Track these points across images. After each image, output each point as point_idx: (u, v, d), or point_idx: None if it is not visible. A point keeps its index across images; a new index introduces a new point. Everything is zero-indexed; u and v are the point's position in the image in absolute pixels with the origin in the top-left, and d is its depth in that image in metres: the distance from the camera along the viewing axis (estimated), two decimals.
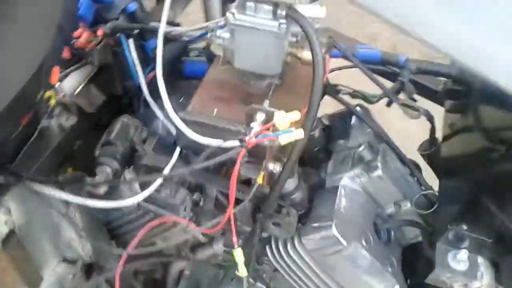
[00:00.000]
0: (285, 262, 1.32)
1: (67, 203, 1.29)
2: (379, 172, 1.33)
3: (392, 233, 1.37)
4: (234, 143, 1.05)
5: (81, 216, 1.32)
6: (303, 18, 1.00)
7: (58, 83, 1.33)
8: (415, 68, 1.54)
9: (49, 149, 1.29)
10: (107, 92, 1.45)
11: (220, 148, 1.09)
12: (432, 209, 1.28)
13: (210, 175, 1.25)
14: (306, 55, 1.14)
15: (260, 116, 1.07)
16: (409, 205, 1.36)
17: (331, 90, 1.53)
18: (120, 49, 1.38)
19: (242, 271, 1.13)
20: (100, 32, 1.29)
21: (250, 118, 1.08)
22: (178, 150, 1.22)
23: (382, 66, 1.57)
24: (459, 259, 1.10)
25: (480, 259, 1.11)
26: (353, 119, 1.53)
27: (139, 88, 1.45)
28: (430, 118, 1.39)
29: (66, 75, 1.39)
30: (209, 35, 1.15)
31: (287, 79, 1.26)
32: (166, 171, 1.19)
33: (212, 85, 1.27)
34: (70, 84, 1.38)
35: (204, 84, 1.27)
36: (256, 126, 1.04)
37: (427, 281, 1.14)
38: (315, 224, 1.27)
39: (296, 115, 0.97)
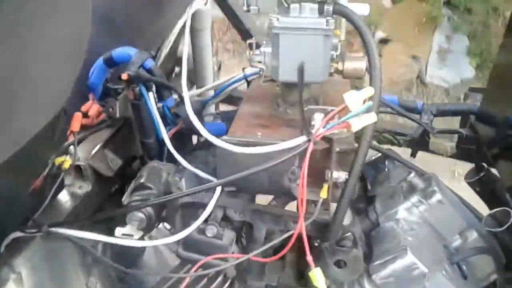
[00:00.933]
0: None
1: (88, 272, 1.06)
2: (438, 196, 1.20)
3: (464, 267, 1.19)
4: (299, 140, 0.93)
5: (103, 286, 1.08)
6: (351, 12, 0.98)
7: (72, 147, 1.21)
8: (436, 109, 1.53)
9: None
10: (126, 155, 1.31)
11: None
12: (509, 224, 1.14)
13: (258, 213, 1.09)
14: (348, 64, 1.11)
15: (319, 116, 0.97)
16: (475, 234, 1.21)
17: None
18: (140, 103, 1.29)
19: None
20: (125, 76, 1.21)
21: (307, 121, 0.98)
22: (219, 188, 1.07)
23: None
24: None
25: None
26: (387, 163, 1.45)
27: (160, 145, 1.34)
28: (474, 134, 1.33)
29: (80, 141, 1.27)
30: (248, 55, 1.10)
31: (324, 101, 1.20)
32: (211, 205, 1.03)
33: (249, 113, 1.18)
34: (85, 147, 1.26)
35: (240, 114, 1.18)
36: (318, 119, 0.94)
37: None
38: (385, 258, 1.09)
39: (369, 90, 0.89)
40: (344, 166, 1.02)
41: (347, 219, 1.14)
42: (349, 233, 1.08)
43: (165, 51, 1.68)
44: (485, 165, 1.33)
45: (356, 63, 1.10)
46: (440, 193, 1.21)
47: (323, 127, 0.91)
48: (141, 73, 1.25)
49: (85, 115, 1.33)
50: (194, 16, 1.81)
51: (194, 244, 1.03)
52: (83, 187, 1.24)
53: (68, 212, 1.16)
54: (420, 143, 1.55)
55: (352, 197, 1.04)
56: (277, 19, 1.01)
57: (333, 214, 1.00)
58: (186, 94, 1.18)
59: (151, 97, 1.29)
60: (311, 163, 1.03)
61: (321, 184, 1.02)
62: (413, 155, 1.60)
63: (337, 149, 1.01)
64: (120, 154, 1.31)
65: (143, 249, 1.19)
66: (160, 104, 1.38)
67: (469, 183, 1.38)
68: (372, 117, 0.90)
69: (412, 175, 1.25)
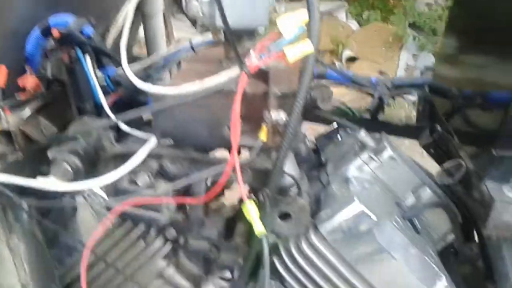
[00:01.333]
0: (300, 268, 1.02)
1: (9, 229, 0.97)
2: (389, 152, 1.15)
3: (418, 224, 1.14)
4: (232, 72, 0.87)
5: (26, 247, 0.98)
6: None
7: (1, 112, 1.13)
8: (390, 83, 1.51)
9: None
10: (61, 121, 1.23)
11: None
12: (461, 174, 1.09)
13: (195, 162, 1.02)
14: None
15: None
16: (429, 191, 1.16)
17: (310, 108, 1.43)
18: (76, 66, 1.22)
19: (259, 227, 0.83)
20: (56, 33, 1.15)
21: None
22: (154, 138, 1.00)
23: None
24: None
25: None
26: (340, 132, 1.40)
27: (97, 110, 1.27)
28: (429, 100, 1.30)
29: (12, 107, 1.20)
30: (184, 6, 1.05)
31: None
32: (142, 152, 0.95)
33: (190, 70, 1.12)
34: (17, 113, 1.18)
35: (180, 71, 1.13)
36: (253, 52, 0.89)
37: (486, 231, 0.91)
38: (332, 208, 1.03)
39: (303, 14, 0.84)
40: (286, 111, 0.96)
41: (294, 172, 1.07)
42: (294, 186, 1.01)
43: (124, 31, 1.62)
44: (438, 126, 1.30)
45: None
46: (392, 149, 1.16)
47: (257, 58, 0.86)
48: (75, 34, 1.19)
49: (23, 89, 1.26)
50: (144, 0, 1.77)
51: (125, 195, 0.94)
52: (14, 156, 1.15)
53: None
54: (375, 116, 1.51)
55: (295, 144, 0.98)
56: None
57: (274, 159, 0.93)
58: (124, 57, 1.13)
59: (88, 60, 1.22)
60: (250, 108, 0.98)
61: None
62: (368, 130, 1.55)
63: (278, 93, 0.96)
64: (54, 121, 1.23)
65: (73, 212, 1.09)
66: (100, 73, 1.31)
67: (423, 146, 1.34)
68: (308, 46, 0.85)
69: (362, 133, 1.20)
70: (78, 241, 1.07)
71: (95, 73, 1.24)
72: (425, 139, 1.32)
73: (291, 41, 0.84)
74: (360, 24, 6.84)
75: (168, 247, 1.07)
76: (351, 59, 5.83)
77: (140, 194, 0.93)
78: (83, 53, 1.23)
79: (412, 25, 6.59)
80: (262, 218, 0.92)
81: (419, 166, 1.19)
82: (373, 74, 5.28)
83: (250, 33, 1.11)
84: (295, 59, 0.84)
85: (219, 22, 1.02)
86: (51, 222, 1.02)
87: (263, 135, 0.93)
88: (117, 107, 1.32)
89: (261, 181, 0.98)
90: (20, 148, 1.15)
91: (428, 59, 5.90)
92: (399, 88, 1.52)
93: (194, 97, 0.89)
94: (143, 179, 0.94)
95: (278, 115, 0.93)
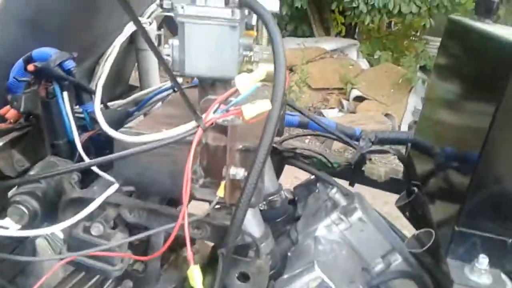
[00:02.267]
0: None
1: None
2: (359, 213, 1.12)
3: None
4: (188, 126, 0.86)
5: None
6: (257, 4, 0.95)
7: None
8: (374, 137, 1.48)
9: None
10: (35, 156, 1.22)
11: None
12: (429, 244, 1.05)
13: (154, 213, 0.99)
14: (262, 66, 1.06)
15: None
16: (400, 258, 1.12)
17: (287, 155, 1.41)
18: (52, 102, 1.22)
19: None
20: (31, 67, 1.15)
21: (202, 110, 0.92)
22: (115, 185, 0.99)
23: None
24: (480, 268, 0.85)
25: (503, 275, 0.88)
26: (318, 185, 1.37)
27: (71, 148, 1.26)
28: (403, 159, 1.27)
29: None
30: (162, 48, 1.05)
31: None
32: (99, 199, 0.93)
33: (162, 114, 1.11)
34: None
35: (152, 113, 1.12)
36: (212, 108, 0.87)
37: None
38: (294, 272, 0.99)
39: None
40: (249, 166, 0.94)
41: (258, 230, 1.05)
42: (254, 244, 0.98)
43: (105, 69, 1.63)
44: (415, 189, 1.26)
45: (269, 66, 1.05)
46: (362, 210, 1.13)
47: (213, 113, 0.84)
48: (52, 68, 1.18)
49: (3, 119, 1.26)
50: (137, 34, 1.79)
51: (78, 244, 0.92)
52: None
53: None
54: (356, 170, 1.48)
55: (256, 200, 0.95)
56: (182, 7, 0.97)
57: (232, 215, 0.91)
58: (99, 92, 1.12)
59: (65, 96, 1.22)
60: (212, 161, 0.96)
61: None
62: (351, 184, 1.52)
63: (240, 147, 0.94)
64: (28, 156, 1.22)
65: (33, 253, 1.07)
66: (79, 109, 1.31)
67: (399, 207, 1.30)
68: (266, 105, 0.83)
69: (333, 190, 1.17)
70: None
71: (72, 109, 1.23)
72: (401, 200, 1.29)
73: (247, 98, 0.82)
74: (370, 64, 6.88)
75: None
76: (359, 99, 5.82)
77: (93, 244, 0.91)
78: (61, 88, 1.23)
79: (423, 68, 6.60)
80: (217, 278, 0.89)
81: (394, 230, 1.16)
82: (379, 116, 5.26)
83: (224, 83, 1.11)
84: (252, 116, 0.82)
85: (188, 69, 1.02)
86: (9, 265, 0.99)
87: (220, 191, 0.90)
88: (95, 144, 1.32)
89: (221, 238, 0.95)
90: None
91: None
92: (383, 142, 1.50)
93: (153, 147, 0.87)
94: (97, 229, 0.91)
95: (236, 171, 0.90)
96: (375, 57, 7.08)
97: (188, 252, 0.81)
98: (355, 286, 1.00)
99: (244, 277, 0.98)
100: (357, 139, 1.50)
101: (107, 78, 1.54)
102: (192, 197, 0.97)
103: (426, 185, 1.24)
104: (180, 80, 1.30)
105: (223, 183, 0.91)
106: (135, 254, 0.98)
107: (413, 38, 7.89)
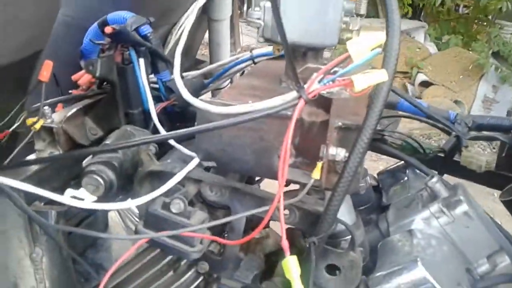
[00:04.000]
0: None
1: (34, 240, 0.89)
2: (464, 207, 0.98)
3: None
4: (287, 97, 0.75)
5: (50, 261, 0.90)
6: None
7: (47, 108, 1.07)
8: (471, 122, 1.32)
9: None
10: (108, 125, 1.16)
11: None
12: None
13: (238, 193, 0.90)
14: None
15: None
16: (508, 260, 0.98)
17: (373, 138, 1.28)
18: (127, 67, 1.15)
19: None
20: (108, 29, 1.07)
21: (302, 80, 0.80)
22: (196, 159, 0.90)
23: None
24: None
25: None
26: (407, 172, 1.24)
27: (145, 118, 1.19)
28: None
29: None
30: (244, 10, 0.94)
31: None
32: (180, 174, 0.85)
33: (245, 85, 1.01)
34: (64, 112, 1.12)
35: (235, 84, 1.02)
36: (315, 76, 0.76)
37: None
38: (389, 270, 0.87)
39: (379, 36, 0.71)
40: (347, 147, 0.82)
41: (349, 218, 0.93)
42: (348, 234, 0.87)
43: (182, 37, 1.54)
44: None
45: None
46: (467, 204, 0.99)
47: (318, 82, 0.73)
48: (129, 33, 1.11)
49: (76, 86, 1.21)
50: (210, 4, 1.69)
51: (156, 221, 0.84)
52: (52, 153, 1.09)
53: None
54: (449, 157, 1.33)
55: (354, 186, 0.84)
56: None
57: (327, 201, 0.80)
58: (178, 59, 1.03)
59: (141, 63, 1.14)
60: (306, 139, 0.85)
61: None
62: (441, 173, 1.37)
63: (339, 124, 0.83)
64: (101, 124, 1.16)
65: (104, 228, 1.01)
66: (154, 77, 1.23)
67: (504, 202, 1.14)
68: (382, 75, 0.71)
69: (434, 179, 1.03)
70: (106, 259, 0.98)
71: (147, 77, 1.16)
72: (507, 195, 1.13)
73: (361, 67, 0.70)
74: (438, 48, 6.51)
75: (200, 280, 0.96)
76: (425, 84, 5.53)
77: (172, 222, 0.83)
78: (137, 54, 1.15)
79: (495, 55, 6.18)
80: (304, 269, 0.79)
81: (499, 227, 1.01)
82: (447, 102, 4.97)
83: (316, 52, 0.99)
84: (364, 89, 0.70)
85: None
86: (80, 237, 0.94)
87: (316, 173, 0.79)
88: (168, 116, 1.24)
89: (310, 225, 0.85)
90: (61, 147, 1.09)
91: (509, 93, 5.50)
92: (481, 128, 1.33)
93: (241, 120, 0.77)
94: (178, 206, 0.83)
95: (336, 151, 0.79)
96: (443, 41, 6.69)
97: (283, 241, 0.71)
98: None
99: (333, 270, 0.87)
100: (451, 123, 1.34)
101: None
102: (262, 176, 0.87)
103: None
104: (270, 48, 1.20)
105: (319, 163, 0.80)
106: (212, 235, 0.90)
107: (484, 23, 7.39)
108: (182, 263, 0.95)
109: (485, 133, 1.32)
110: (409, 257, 0.88)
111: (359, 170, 0.83)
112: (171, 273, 0.94)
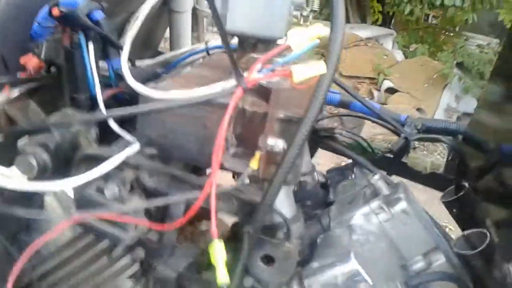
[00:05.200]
0: None
1: None
2: (403, 204, 1.00)
3: None
4: (226, 84, 0.74)
5: None
6: None
7: None
8: (421, 125, 1.35)
9: None
10: (52, 109, 1.13)
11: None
12: (483, 246, 0.92)
13: (176, 180, 0.89)
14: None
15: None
16: (443, 258, 1.00)
17: (324, 135, 1.29)
18: (76, 52, 1.12)
19: (221, 276, 0.69)
20: (56, 12, 1.05)
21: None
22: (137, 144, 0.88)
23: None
24: None
25: None
26: (355, 170, 1.25)
27: (92, 104, 1.16)
28: (460, 152, 1.14)
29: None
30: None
31: None
32: (118, 159, 0.83)
33: (194, 75, 1.00)
34: (5, 94, 1.08)
35: (184, 73, 1.01)
36: (255, 65, 0.76)
37: None
38: (325, 261, 0.88)
39: (319, 29, 0.71)
40: (288, 139, 0.82)
41: (289, 211, 0.93)
42: (284, 225, 0.87)
43: (135, 25, 1.52)
44: (466, 184, 1.13)
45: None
46: (407, 202, 1.00)
47: (258, 72, 0.73)
48: (79, 16, 1.08)
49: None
50: None
51: (89, 204, 0.82)
52: None
53: None
54: (397, 158, 1.36)
55: (293, 178, 0.84)
56: None
57: (264, 191, 0.80)
58: (127, 47, 1.02)
59: (90, 48, 1.12)
60: (248, 129, 0.85)
61: None
62: (389, 173, 1.40)
63: (281, 115, 0.83)
64: (46, 108, 1.13)
65: (39, 209, 0.98)
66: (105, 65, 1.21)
67: (445, 203, 1.17)
68: (321, 67, 0.72)
69: (376, 177, 1.05)
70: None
71: (96, 62, 1.13)
72: (448, 196, 1.16)
73: (301, 57, 0.71)
74: (405, 56, 6.65)
75: (136, 267, 0.94)
76: (390, 91, 5.63)
77: (106, 206, 0.81)
78: (87, 39, 1.12)
79: (460, 65, 6.34)
80: (238, 258, 0.79)
81: (436, 226, 1.03)
82: (411, 109, 5.08)
83: (267, 44, 0.99)
84: (302, 79, 0.71)
85: (230, 25, 0.90)
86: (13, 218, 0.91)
87: (254, 163, 0.79)
88: (119, 104, 1.22)
89: (248, 214, 0.85)
90: (2, 131, 1.05)
91: (471, 104, 5.64)
92: (429, 131, 1.37)
93: (182, 105, 0.77)
94: (112, 190, 0.81)
95: (275, 142, 0.79)
96: (411, 49, 6.84)
97: (213, 225, 0.70)
98: (393, 284, 0.88)
99: (269, 260, 0.87)
100: (401, 125, 1.37)
101: (136, 39, 1.43)
102: (221, 166, 0.86)
103: (480, 182, 1.11)
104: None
105: (258, 154, 0.80)
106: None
107: (451, 34, 7.59)
108: (119, 249, 0.93)
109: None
110: (345, 250, 0.88)
111: (297, 162, 0.83)
112: (105, 258, 0.92)
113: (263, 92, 0.80)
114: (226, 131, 0.76)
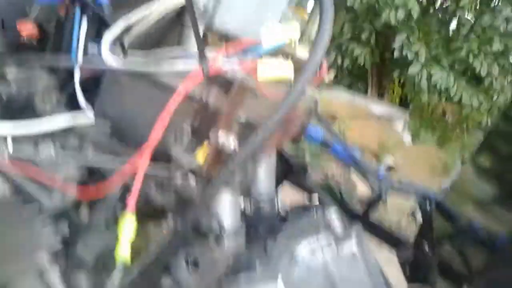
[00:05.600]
0: None
1: None
2: (352, 246, 0.94)
3: None
4: (191, 63, 0.72)
5: None
6: None
7: None
8: (395, 184, 1.31)
9: None
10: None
11: None
12: None
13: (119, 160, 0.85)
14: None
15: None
16: None
17: (295, 169, 1.26)
18: (66, 24, 1.11)
19: (123, 251, 0.64)
20: None
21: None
22: None
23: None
24: None
25: None
26: (316, 208, 1.20)
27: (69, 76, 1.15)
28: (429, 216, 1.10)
29: None
30: None
31: None
32: (62, 121, 0.80)
33: None
34: None
35: None
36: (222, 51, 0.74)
37: None
38: (251, 276, 0.82)
39: (293, 27, 0.69)
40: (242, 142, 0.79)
41: (231, 223, 0.89)
42: (221, 229, 0.82)
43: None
44: (423, 241, 1.08)
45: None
46: (358, 245, 0.95)
47: (223, 59, 0.71)
48: None
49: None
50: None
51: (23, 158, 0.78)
52: None
53: None
54: (364, 213, 1.31)
55: (233, 183, 0.80)
56: None
57: (202, 187, 0.76)
58: (115, 29, 1.01)
59: (83, 23, 1.11)
60: (206, 123, 0.82)
61: None
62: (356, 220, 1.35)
63: (242, 118, 0.80)
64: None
65: None
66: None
67: (399, 259, 1.11)
68: (287, 71, 0.69)
69: (333, 212, 1.00)
70: None
71: (85, 41, 1.12)
72: (405, 253, 1.10)
73: (268, 52, 0.69)
74: (414, 141, 6.64)
75: (57, 243, 0.88)
76: (389, 169, 5.59)
77: (38, 164, 0.77)
78: (82, 14, 1.12)
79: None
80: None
81: (383, 277, 0.97)
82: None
83: None
84: (265, 77, 0.68)
85: (219, 23, 0.89)
86: None
87: (200, 156, 0.76)
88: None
89: (181, 207, 0.80)
90: None
91: None
92: (403, 190, 1.33)
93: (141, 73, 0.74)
94: (48, 151, 0.78)
95: (227, 140, 0.76)
96: (421, 138, 6.85)
97: (132, 200, 0.66)
98: None
99: (193, 263, 0.81)
100: (378, 179, 1.33)
101: (141, 40, 1.44)
102: (167, 156, 0.82)
103: (440, 248, 1.07)
104: None
105: (205, 148, 0.76)
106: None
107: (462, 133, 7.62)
108: (42, 217, 0.87)
109: None
110: (275, 273, 0.82)
111: (247, 171, 0.80)
112: (27, 226, 0.87)
113: (225, 84, 0.77)
114: (182, 119, 0.74)
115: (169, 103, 0.69)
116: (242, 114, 0.80)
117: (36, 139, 0.79)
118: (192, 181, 0.80)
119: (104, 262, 0.83)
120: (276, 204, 1.17)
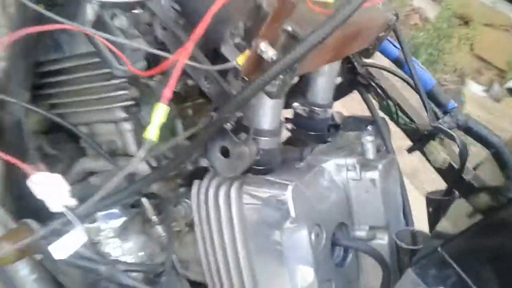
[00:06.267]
0: (207, 208, 0.96)
1: None
2: (374, 174, 0.99)
3: (350, 256, 1.01)
4: None
5: None
6: None
7: None
8: (464, 122, 1.25)
9: None
10: None
11: None
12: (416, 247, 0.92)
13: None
14: None
15: None
16: (386, 239, 1.01)
17: (361, 81, 1.26)
18: None
19: (151, 133, 0.76)
20: None
21: None
22: None
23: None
24: None
25: None
26: (369, 129, 1.22)
27: None
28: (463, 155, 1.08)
29: None
30: None
31: None
32: None
33: None
34: None
35: None
36: None
37: None
38: (269, 177, 0.92)
39: None
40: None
41: (268, 124, 0.96)
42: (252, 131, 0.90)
43: None
44: (456, 193, 1.09)
45: None
46: (380, 174, 0.99)
47: None
48: None
49: None
50: None
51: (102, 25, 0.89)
52: None
53: None
54: (416, 140, 1.30)
55: (277, 92, 0.84)
56: None
57: (242, 87, 0.83)
58: None
59: None
60: (258, 27, 0.85)
61: None
62: (410, 150, 1.35)
63: (288, 28, 0.81)
64: None
65: None
66: None
67: (427, 199, 1.14)
68: None
69: (369, 138, 1.03)
70: None
71: None
72: (433, 194, 1.12)
73: None
74: None
75: (129, 102, 1.02)
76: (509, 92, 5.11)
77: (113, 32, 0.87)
78: None
79: None
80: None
81: (406, 215, 1.03)
82: None
83: None
84: None
85: None
86: None
87: (240, 59, 0.81)
88: None
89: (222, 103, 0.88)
90: None
91: None
92: (470, 132, 1.27)
93: None
94: (122, 20, 0.87)
95: (267, 49, 0.79)
96: None
97: (169, 89, 0.75)
98: (318, 230, 0.91)
99: (225, 152, 0.92)
100: (445, 112, 1.29)
101: None
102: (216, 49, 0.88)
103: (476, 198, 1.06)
104: None
105: (247, 52, 0.81)
106: None
107: None
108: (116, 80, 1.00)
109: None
110: (290, 180, 0.90)
111: (287, 79, 0.83)
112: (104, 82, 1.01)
113: None
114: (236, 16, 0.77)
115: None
116: (288, 24, 0.81)
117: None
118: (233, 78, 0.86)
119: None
120: (331, 112, 1.21)
